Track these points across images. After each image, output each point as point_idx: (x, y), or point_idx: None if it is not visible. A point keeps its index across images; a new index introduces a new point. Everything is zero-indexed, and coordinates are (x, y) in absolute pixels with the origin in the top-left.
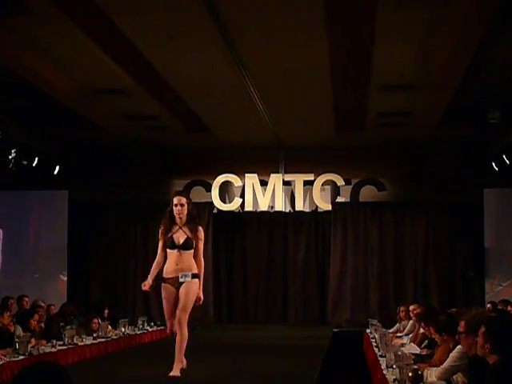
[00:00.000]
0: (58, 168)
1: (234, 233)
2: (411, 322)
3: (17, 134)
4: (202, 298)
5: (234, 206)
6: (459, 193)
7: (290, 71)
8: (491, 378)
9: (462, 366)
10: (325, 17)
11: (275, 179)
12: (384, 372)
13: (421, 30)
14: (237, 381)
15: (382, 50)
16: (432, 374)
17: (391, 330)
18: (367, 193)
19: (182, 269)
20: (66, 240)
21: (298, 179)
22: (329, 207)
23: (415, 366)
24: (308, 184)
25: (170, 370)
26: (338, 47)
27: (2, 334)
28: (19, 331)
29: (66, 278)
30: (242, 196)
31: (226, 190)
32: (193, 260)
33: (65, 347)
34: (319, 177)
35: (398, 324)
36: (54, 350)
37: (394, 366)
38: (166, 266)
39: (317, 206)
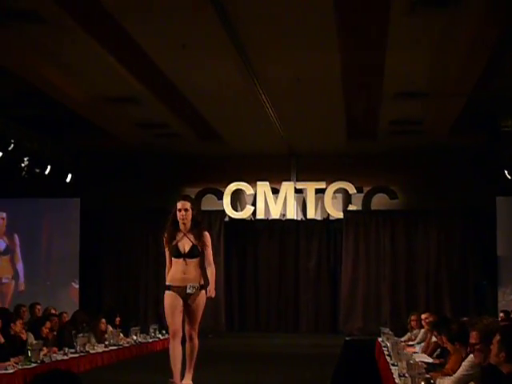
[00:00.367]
0: (70, 176)
1: (245, 241)
2: (423, 330)
3: (29, 142)
4: (214, 292)
5: (245, 214)
6: (471, 201)
7: (302, 79)
8: None
9: (474, 375)
10: (336, 26)
11: (287, 187)
12: (396, 381)
13: (433, 38)
14: None
15: (394, 58)
16: (444, 383)
17: (402, 339)
18: (379, 201)
19: (188, 279)
20: (78, 248)
21: (310, 187)
22: (340, 215)
23: (427, 375)
24: (320, 192)
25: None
26: (349, 56)
27: (15, 341)
28: (31, 339)
29: (77, 286)
30: (254, 204)
31: (237, 198)
32: (199, 269)
33: (77, 355)
34: (331, 185)
35: (409, 333)
36: (65, 357)
37: (407, 375)
38: (171, 274)
39: (328, 214)
